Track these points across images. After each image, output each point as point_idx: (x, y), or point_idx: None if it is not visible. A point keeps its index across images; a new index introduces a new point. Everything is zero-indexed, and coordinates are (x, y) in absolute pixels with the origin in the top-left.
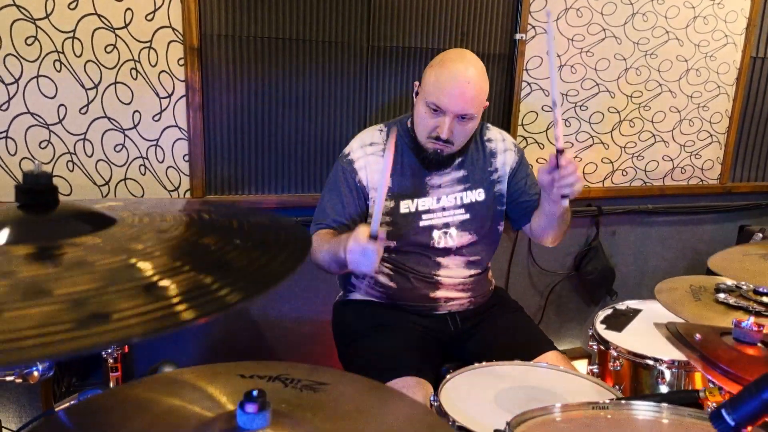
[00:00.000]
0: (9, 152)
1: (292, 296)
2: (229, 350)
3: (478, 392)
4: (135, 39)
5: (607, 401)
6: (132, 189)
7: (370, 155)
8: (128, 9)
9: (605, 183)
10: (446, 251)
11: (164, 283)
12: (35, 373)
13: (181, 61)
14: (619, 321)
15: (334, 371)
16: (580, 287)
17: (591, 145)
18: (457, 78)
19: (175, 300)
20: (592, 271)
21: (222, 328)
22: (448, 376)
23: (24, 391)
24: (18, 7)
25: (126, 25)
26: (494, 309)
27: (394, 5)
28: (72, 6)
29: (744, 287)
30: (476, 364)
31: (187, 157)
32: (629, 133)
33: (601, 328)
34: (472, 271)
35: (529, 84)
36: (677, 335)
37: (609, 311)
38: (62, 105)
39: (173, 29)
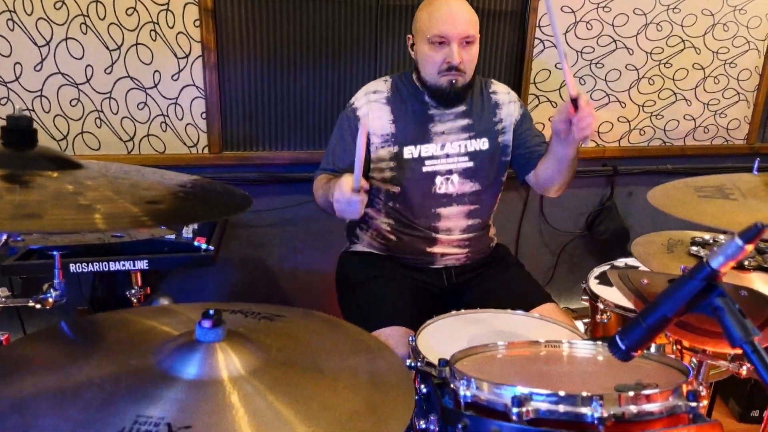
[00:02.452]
0: (44, 110)
1: (305, 248)
2: (246, 298)
3: (453, 335)
4: (153, 2)
5: (543, 340)
6: (154, 145)
7: (373, 102)
8: None
9: (621, 142)
10: (448, 198)
11: (96, 206)
12: (50, 299)
13: (197, 23)
14: None
15: (294, 309)
16: (592, 247)
17: (606, 104)
18: (449, 6)
19: (97, 216)
20: (604, 231)
21: (241, 278)
22: (429, 321)
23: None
24: None
25: None
26: (492, 264)
27: None
28: None
29: (720, 240)
30: (460, 311)
31: (204, 115)
32: (648, 92)
33: (594, 283)
34: (471, 222)
35: (542, 41)
36: (625, 279)
37: (605, 267)
38: (89, 65)
39: None
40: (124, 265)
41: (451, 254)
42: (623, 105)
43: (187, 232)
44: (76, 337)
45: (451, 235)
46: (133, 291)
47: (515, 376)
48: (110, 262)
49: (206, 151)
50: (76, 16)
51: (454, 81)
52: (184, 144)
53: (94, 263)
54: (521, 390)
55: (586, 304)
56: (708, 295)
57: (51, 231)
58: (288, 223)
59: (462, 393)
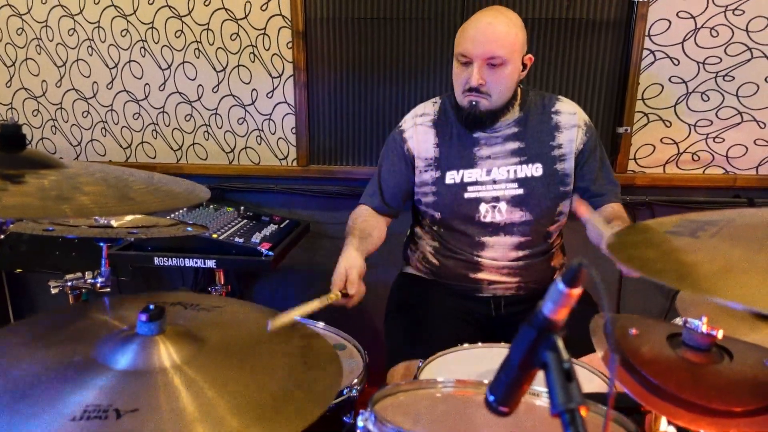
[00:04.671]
0: (165, 123)
1: (383, 263)
2: (332, 311)
3: (463, 367)
4: (253, 27)
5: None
6: (251, 157)
7: (420, 125)
8: (247, 2)
9: (760, 170)
10: (494, 227)
11: (77, 196)
12: (97, 284)
13: (289, 44)
14: None
15: (232, 300)
16: None
17: (739, 123)
18: (478, 24)
19: (85, 203)
20: None
21: (322, 287)
22: (440, 352)
23: None
24: (170, 7)
25: (246, 16)
26: None
27: None
28: (206, 3)
29: None
30: (486, 343)
31: (294, 130)
32: None
33: None
34: (521, 253)
35: (652, 52)
36: (608, 326)
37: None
38: (200, 85)
39: (283, 16)
40: (196, 263)
41: (500, 282)
42: (762, 125)
43: (257, 237)
44: (32, 331)
45: (499, 262)
46: (216, 288)
47: (432, 421)
48: (186, 259)
49: (295, 163)
50: (191, 43)
51: (474, 102)
52: (276, 156)
53: (173, 258)
54: None
55: None
56: (541, 347)
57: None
58: None
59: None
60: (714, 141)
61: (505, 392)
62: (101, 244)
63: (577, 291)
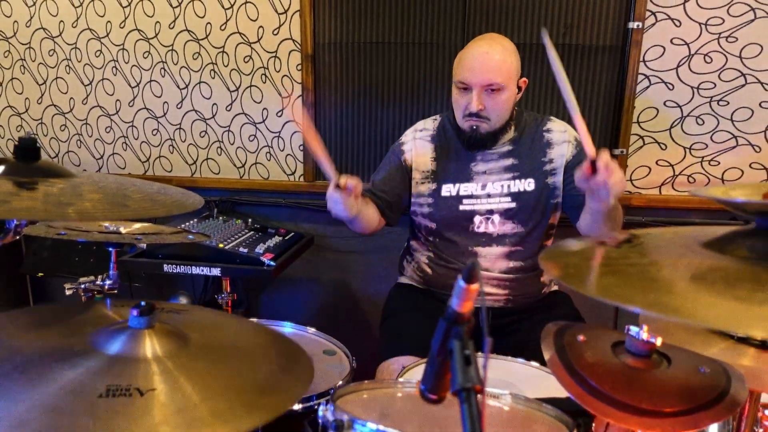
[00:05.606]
0: (181, 139)
1: (388, 276)
2: (329, 318)
3: None
4: (265, 50)
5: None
6: (261, 172)
7: (418, 139)
8: (260, 26)
9: None
10: (487, 238)
11: (79, 202)
12: (105, 287)
13: (299, 67)
14: None
15: (197, 308)
16: None
17: (734, 147)
18: (476, 52)
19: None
20: None
21: (325, 299)
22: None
23: None
24: (188, 31)
25: (258, 40)
26: (539, 311)
27: (490, 2)
28: (222, 27)
29: None
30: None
31: (301, 147)
32: None
33: None
34: (512, 264)
35: (647, 77)
36: (559, 333)
37: None
38: (215, 104)
39: (293, 40)
40: (203, 270)
41: (489, 294)
42: (757, 149)
43: (261, 248)
44: (39, 318)
45: (490, 273)
46: (222, 296)
47: (390, 414)
48: (193, 267)
49: (302, 179)
50: (207, 64)
51: (475, 127)
52: (284, 172)
53: (181, 266)
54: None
55: None
56: (450, 337)
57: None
58: (372, 250)
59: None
60: (709, 164)
61: (431, 381)
62: (110, 248)
63: (474, 286)
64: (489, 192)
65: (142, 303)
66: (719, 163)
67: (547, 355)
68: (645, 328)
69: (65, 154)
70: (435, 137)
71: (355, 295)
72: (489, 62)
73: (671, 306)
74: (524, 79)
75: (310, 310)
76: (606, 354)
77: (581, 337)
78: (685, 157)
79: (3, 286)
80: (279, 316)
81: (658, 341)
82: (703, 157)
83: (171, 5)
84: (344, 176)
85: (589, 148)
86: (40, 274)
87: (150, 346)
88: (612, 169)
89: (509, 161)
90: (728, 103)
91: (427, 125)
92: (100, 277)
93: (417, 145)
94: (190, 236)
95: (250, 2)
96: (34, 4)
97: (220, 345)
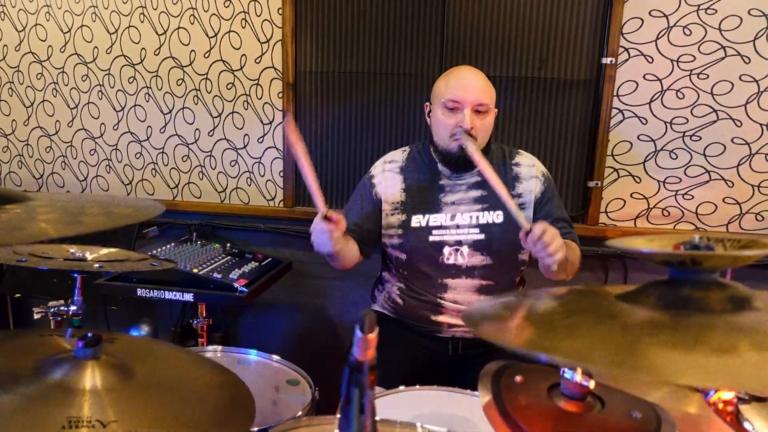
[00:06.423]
0: (163, 163)
1: (365, 302)
2: (307, 345)
3: (402, 411)
4: (247, 78)
5: (399, 421)
6: (241, 197)
7: (387, 171)
8: (243, 54)
9: (729, 227)
10: (456, 270)
11: (32, 225)
12: (69, 311)
13: (280, 94)
14: None
15: (148, 340)
16: None
17: (707, 182)
18: (465, 73)
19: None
20: None
21: (303, 326)
22: (389, 391)
23: None
24: (173, 57)
25: (241, 68)
26: None
27: (467, 35)
28: (206, 55)
29: None
30: (433, 386)
31: (281, 173)
32: (764, 169)
33: None
34: (482, 297)
35: (620, 111)
36: (497, 374)
37: None
38: (197, 129)
39: (275, 69)
40: (175, 296)
41: (459, 325)
42: (730, 184)
43: (235, 274)
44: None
45: (460, 306)
46: (197, 321)
47: None
48: (166, 291)
49: (281, 205)
50: (191, 90)
51: (464, 146)
52: (264, 197)
53: (154, 291)
54: None
55: None
56: (352, 384)
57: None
58: (349, 276)
59: None
60: (683, 198)
61: (348, 426)
62: (75, 275)
63: (372, 336)
64: (458, 223)
65: (89, 334)
66: (693, 197)
67: (483, 399)
68: (579, 370)
69: (50, 176)
70: (404, 168)
71: (333, 321)
72: (478, 83)
73: (574, 354)
74: (495, 110)
75: (287, 335)
76: (541, 396)
77: (519, 378)
78: (659, 190)
79: None
80: (256, 340)
81: (591, 384)
82: (677, 191)
83: (156, 32)
84: (331, 210)
85: (522, 222)
86: (17, 295)
87: (91, 377)
88: (546, 242)
89: (478, 192)
90: (701, 138)
91: (396, 157)
92: (68, 301)
93: (386, 176)
94: (155, 263)
95: (233, 31)
96: (24, 29)
97: (164, 380)
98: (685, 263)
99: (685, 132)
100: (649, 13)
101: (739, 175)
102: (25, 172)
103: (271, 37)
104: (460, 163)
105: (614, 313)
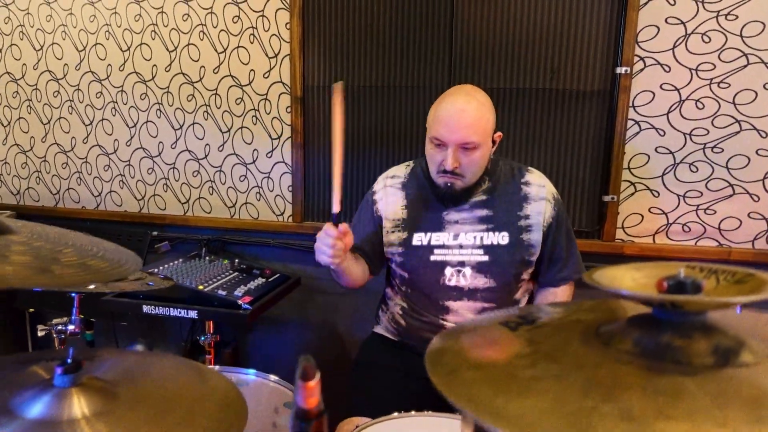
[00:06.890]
0: (174, 178)
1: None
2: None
3: None
4: (256, 93)
5: None
6: (250, 212)
7: (389, 187)
8: (252, 70)
9: (756, 244)
10: (458, 291)
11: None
12: (67, 330)
13: (288, 109)
14: None
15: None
16: None
17: (731, 196)
18: (452, 109)
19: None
20: None
21: (313, 341)
22: (385, 417)
23: None
24: (183, 74)
25: (250, 83)
26: None
27: (475, 46)
28: (215, 71)
29: None
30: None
31: (290, 188)
32: None
33: None
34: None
35: (637, 123)
36: None
37: None
38: (207, 144)
39: (283, 83)
40: (180, 312)
41: None
42: (756, 198)
43: (240, 291)
44: None
45: None
46: (204, 337)
47: None
48: (171, 308)
49: (290, 220)
50: (201, 106)
51: (449, 183)
52: (273, 212)
53: (160, 307)
54: None
55: None
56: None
57: None
58: (359, 292)
59: None
60: (705, 212)
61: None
62: (72, 294)
63: (312, 383)
64: (461, 243)
65: (68, 360)
66: (715, 212)
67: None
68: None
69: (66, 191)
70: (406, 184)
71: (342, 337)
72: (465, 120)
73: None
74: (499, 133)
75: (296, 351)
76: None
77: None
78: (679, 205)
79: (3, 320)
80: (265, 356)
81: None
82: (698, 206)
83: (167, 49)
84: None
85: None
86: (31, 309)
87: (76, 406)
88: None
89: (483, 212)
90: (723, 150)
91: (399, 172)
92: (62, 320)
93: (388, 192)
94: (150, 283)
95: (242, 47)
96: (42, 47)
97: (151, 396)
98: (665, 306)
99: (705, 144)
100: (666, 20)
101: (765, 189)
102: (42, 188)
103: (279, 52)
104: (448, 198)
105: (583, 361)
